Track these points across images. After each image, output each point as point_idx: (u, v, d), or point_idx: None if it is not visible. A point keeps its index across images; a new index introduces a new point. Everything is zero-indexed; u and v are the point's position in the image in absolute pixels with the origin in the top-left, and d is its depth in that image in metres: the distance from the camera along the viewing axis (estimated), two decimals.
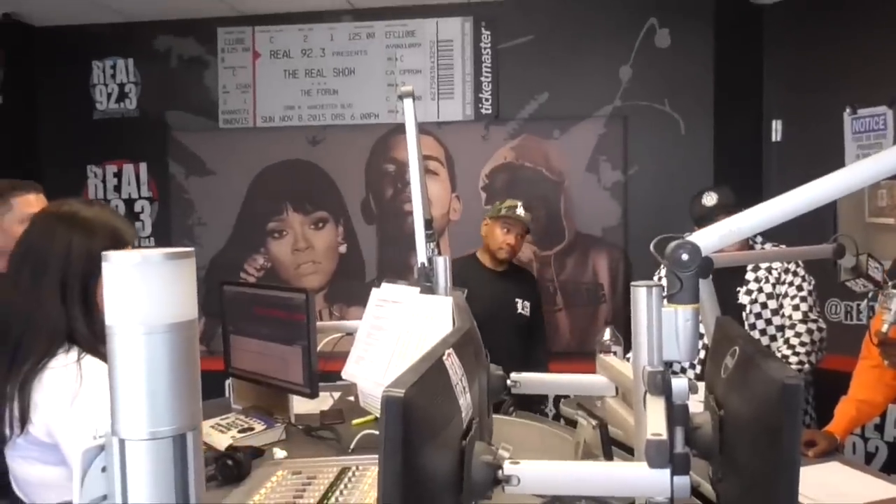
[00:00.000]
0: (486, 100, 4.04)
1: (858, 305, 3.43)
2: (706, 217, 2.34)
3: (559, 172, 3.99)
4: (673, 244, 1.16)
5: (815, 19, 3.59)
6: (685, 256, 1.16)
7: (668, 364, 1.17)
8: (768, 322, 2.56)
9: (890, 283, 1.78)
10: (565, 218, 3.97)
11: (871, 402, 2.18)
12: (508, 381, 1.43)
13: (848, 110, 3.48)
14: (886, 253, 2.02)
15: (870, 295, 1.94)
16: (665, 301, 1.17)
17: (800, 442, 1.04)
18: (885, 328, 1.77)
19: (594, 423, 1.53)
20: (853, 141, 3.47)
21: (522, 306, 3.21)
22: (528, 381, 1.45)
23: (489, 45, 4.02)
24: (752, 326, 2.56)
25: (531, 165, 4.01)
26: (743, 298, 2.60)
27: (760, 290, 2.58)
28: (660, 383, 1.14)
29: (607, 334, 2.29)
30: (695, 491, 1.45)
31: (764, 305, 2.57)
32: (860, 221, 3.43)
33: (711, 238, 1.22)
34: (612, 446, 1.53)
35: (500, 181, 4.03)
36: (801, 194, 1.25)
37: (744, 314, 2.58)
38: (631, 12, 3.86)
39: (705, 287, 1.85)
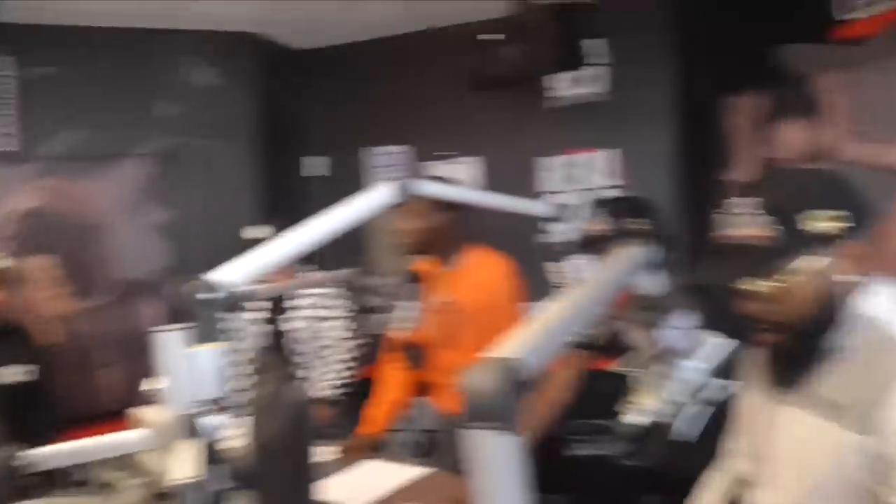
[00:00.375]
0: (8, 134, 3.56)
1: (388, 318, 3.89)
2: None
3: (97, 215, 3.69)
4: (191, 284, 1.16)
5: (347, 67, 4.04)
6: (203, 296, 1.16)
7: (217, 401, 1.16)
8: (315, 345, 2.74)
9: (401, 296, 2.06)
10: (107, 264, 3.69)
11: (396, 401, 2.46)
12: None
13: (375, 147, 3.98)
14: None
15: (387, 308, 2.21)
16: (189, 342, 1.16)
17: (313, 455, 1.14)
18: (400, 335, 2.04)
19: (139, 480, 1.46)
20: (382, 173, 3.98)
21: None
22: (40, 456, 1.31)
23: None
24: (302, 351, 2.71)
25: (61, 209, 3.63)
26: (291, 325, 2.73)
27: (307, 316, 2.75)
28: (191, 425, 1.14)
29: (149, 384, 2.16)
30: None
31: (310, 330, 2.74)
32: (387, 242, 3.87)
33: (234, 274, 1.27)
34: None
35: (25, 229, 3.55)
36: (312, 229, 1.39)
37: (292, 340, 2.71)
38: (173, 47, 3.80)
39: (238, 321, 1.91)
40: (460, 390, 0.56)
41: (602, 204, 1.91)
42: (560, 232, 1.75)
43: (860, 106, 2.67)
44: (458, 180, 3.29)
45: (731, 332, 1.09)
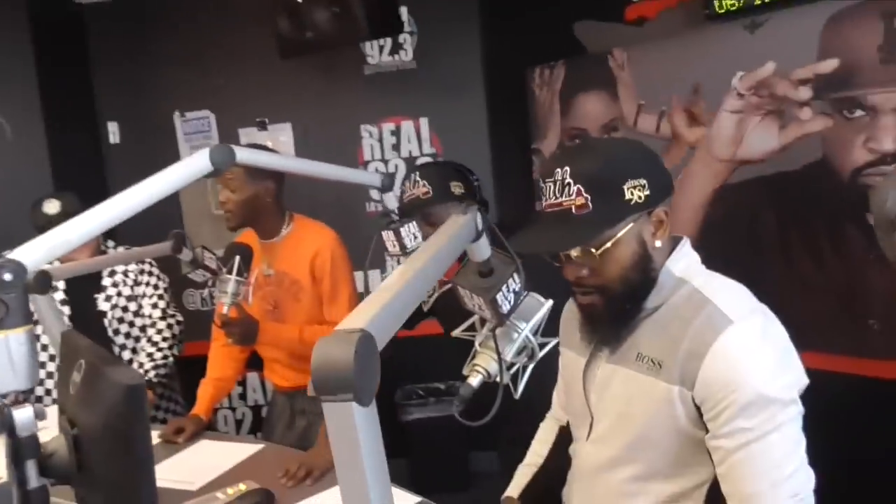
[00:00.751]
0: None
1: (211, 294, 3.74)
2: (52, 225, 2.19)
3: None
4: None
5: (136, 24, 3.68)
6: (8, 276, 1.06)
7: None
8: (131, 324, 2.58)
9: (224, 270, 1.99)
10: None
11: (225, 378, 2.41)
12: None
13: (177, 113, 3.72)
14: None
15: (209, 283, 2.13)
16: None
17: (150, 439, 1.09)
18: (224, 310, 1.98)
19: None
20: (185, 141, 3.74)
21: None
22: None
23: None
24: (117, 332, 2.55)
25: None
26: (103, 305, 2.55)
27: (119, 293, 2.58)
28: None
29: None
30: None
31: (125, 309, 2.57)
32: (207, 214, 3.72)
33: (38, 252, 1.16)
34: None
35: None
36: (120, 202, 1.30)
37: (106, 321, 2.54)
38: None
39: (46, 302, 1.75)
40: (312, 362, 0.57)
41: (421, 168, 1.94)
42: (388, 199, 1.77)
43: (644, 80, 2.93)
44: (274, 149, 3.21)
45: (546, 292, 1.16)
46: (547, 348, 1.14)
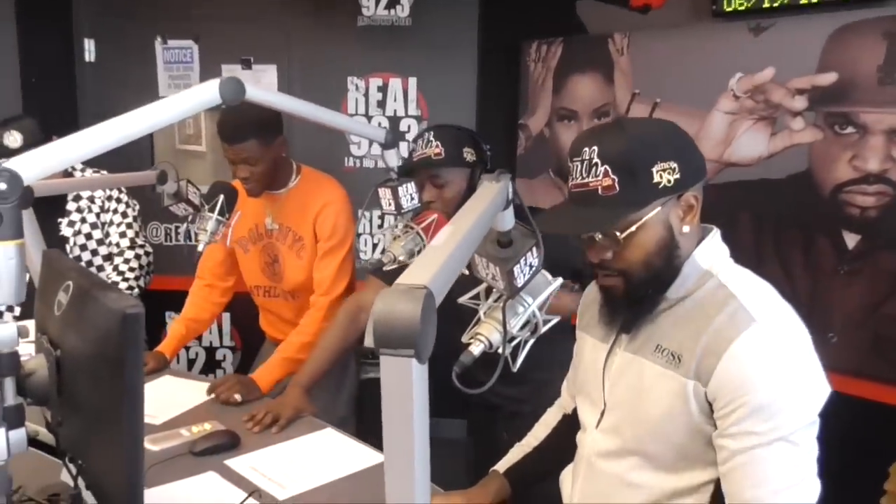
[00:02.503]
0: None
1: (177, 228, 3.65)
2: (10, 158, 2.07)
3: None
4: None
5: None
6: (3, 186, 1.01)
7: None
8: (94, 252, 2.50)
9: (206, 207, 1.94)
10: None
11: (199, 320, 2.35)
12: None
13: (159, 39, 3.58)
14: (196, 178, 2.17)
15: (189, 218, 2.07)
16: None
17: (142, 368, 1.06)
18: (200, 248, 1.93)
19: None
20: (165, 70, 3.61)
21: None
22: None
23: None
24: (78, 258, 2.46)
25: None
26: (66, 230, 2.47)
27: (84, 220, 2.49)
28: None
29: None
30: (32, 440, 1.33)
31: (88, 236, 2.49)
32: (172, 148, 3.62)
33: (34, 165, 1.11)
34: None
35: None
36: (125, 123, 1.23)
37: (67, 246, 2.46)
38: None
39: (27, 219, 1.68)
40: (372, 315, 0.55)
41: (436, 129, 1.87)
42: (389, 156, 1.73)
43: (641, 68, 2.93)
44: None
45: (557, 271, 1.15)
46: (549, 325, 1.14)
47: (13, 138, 2.28)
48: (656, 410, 1.17)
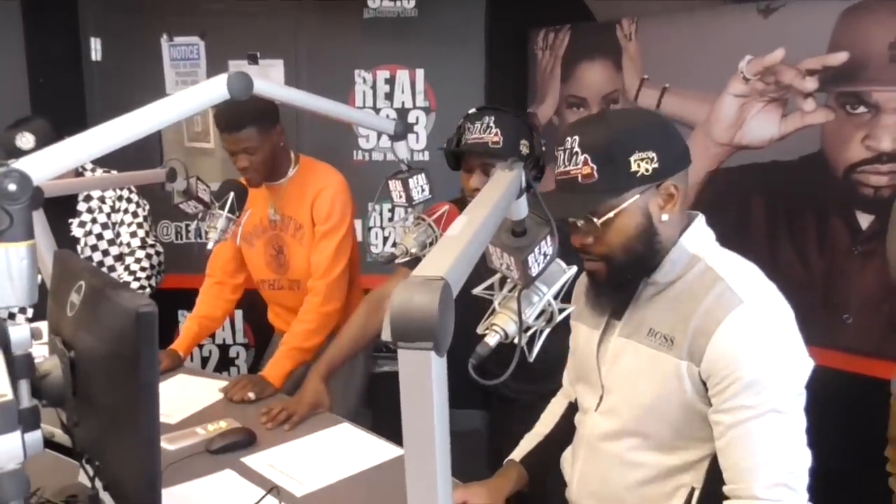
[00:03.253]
0: None
1: (187, 226, 3.65)
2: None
3: None
4: None
5: None
6: (13, 187, 1.00)
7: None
8: (105, 253, 2.50)
9: (216, 204, 1.93)
10: None
11: (212, 317, 2.35)
12: None
13: (165, 37, 3.57)
14: (205, 175, 2.18)
15: (199, 216, 2.06)
16: None
17: (158, 367, 1.05)
18: (210, 245, 1.92)
19: None
20: (171, 67, 3.60)
21: None
22: None
23: None
24: (89, 259, 2.47)
25: None
26: (76, 231, 2.47)
27: (94, 220, 2.49)
28: None
29: None
30: (49, 442, 1.34)
31: (99, 236, 2.49)
32: (181, 145, 3.62)
33: (44, 165, 1.10)
34: None
35: None
36: (133, 121, 1.23)
37: (78, 247, 2.46)
38: None
39: (37, 220, 1.68)
40: (389, 308, 0.54)
41: (496, 113, 1.78)
42: (398, 148, 1.71)
43: (650, 54, 2.90)
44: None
45: (569, 259, 1.15)
46: (564, 314, 1.13)
47: (25, 139, 2.28)
48: (652, 391, 1.22)
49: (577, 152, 1.17)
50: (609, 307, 1.30)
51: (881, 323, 2.37)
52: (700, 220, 1.27)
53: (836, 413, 2.44)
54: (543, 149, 1.83)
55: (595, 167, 1.15)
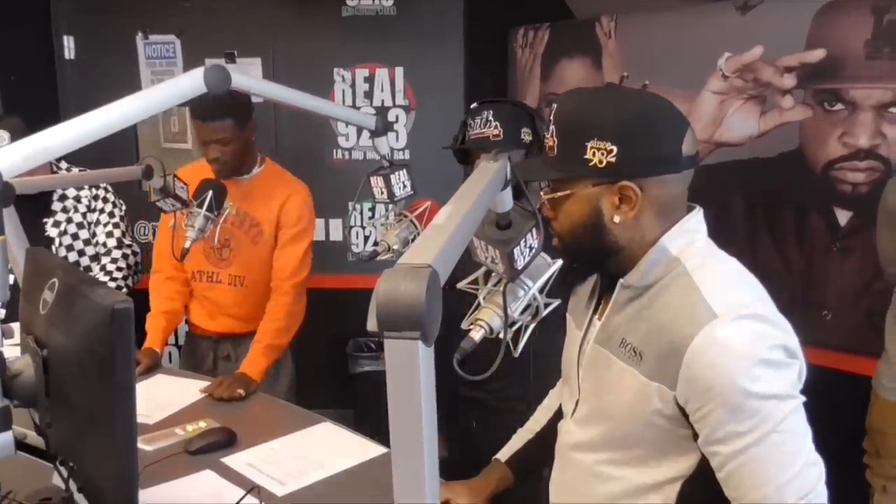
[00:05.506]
0: None
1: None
2: None
3: None
4: None
5: None
6: None
7: None
8: (81, 253, 2.46)
9: (195, 203, 1.90)
10: None
11: (174, 311, 2.32)
12: None
13: (140, 35, 3.52)
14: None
15: (176, 214, 2.02)
16: None
17: (134, 365, 1.03)
18: (187, 245, 1.89)
19: None
20: (147, 66, 3.55)
21: None
22: None
23: None
24: (65, 259, 2.42)
25: None
26: (51, 231, 2.42)
27: (70, 220, 2.45)
28: None
29: None
30: (21, 444, 1.30)
31: (75, 236, 2.45)
32: (157, 146, 3.57)
33: (14, 159, 1.07)
34: None
35: None
36: (109, 112, 1.20)
37: (53, 247, 2.41)
38: None
39: (8, 218, 1.64)
40: (374, 297, 0.53)
41: (494, 107, 1.77)
42: (379, 144, 1.69)
43: (629, 51, 2.91)
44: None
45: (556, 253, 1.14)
46: (550, 308, 1.11)
47: (0, 137, 2.24)
48: (620, 409, 1.12)
49: (550, 121, 1.12)
50: (585, 298, 1.24)
51: (860, 319, 2.39)
52: (690, 218, 1.14)
53: (813, 408, 2.46)
54: (544, 133, 1.81)
55: (556, 142, 1.10)
